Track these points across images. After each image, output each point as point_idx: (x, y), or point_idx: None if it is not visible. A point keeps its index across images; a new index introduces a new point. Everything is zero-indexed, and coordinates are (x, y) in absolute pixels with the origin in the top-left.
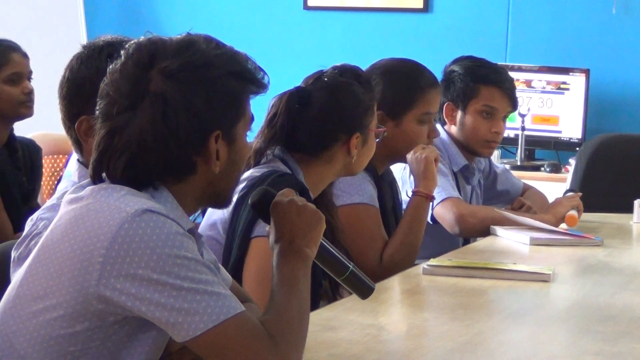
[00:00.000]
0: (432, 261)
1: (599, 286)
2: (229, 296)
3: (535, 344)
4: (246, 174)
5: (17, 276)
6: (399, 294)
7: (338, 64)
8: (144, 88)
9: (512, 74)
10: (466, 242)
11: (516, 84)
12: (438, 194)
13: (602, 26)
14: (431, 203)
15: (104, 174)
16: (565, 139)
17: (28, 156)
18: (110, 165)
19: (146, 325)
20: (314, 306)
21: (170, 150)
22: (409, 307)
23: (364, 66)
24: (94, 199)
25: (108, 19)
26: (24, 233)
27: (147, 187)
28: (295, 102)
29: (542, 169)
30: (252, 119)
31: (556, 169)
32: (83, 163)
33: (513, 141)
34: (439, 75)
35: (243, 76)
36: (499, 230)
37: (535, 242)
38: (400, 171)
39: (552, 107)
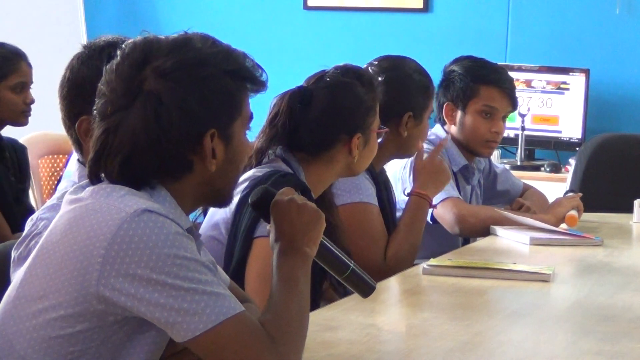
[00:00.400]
0: (432, 261)
1: (599, 286)
2: (228, 296)
3: (535, 344)
4: (248, 174)
5: (17, 276)
6: (399, 294)
7: (340, 64)
8: (138, 87)
9: (512, 74)
10: (466, 242)
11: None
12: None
13: (602, 26)
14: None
15: (102, 175)
16: (565, 139)
17: (14, 155)
18: (107, 164)
19: (146, 325)
20: (314, 306)
21: (165, 149)
22: (409, 307)
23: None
24: (93, 199)
25: (108, 19)
26: (24, 233)
27: (145, 186)
28: (297, 101)
29: (542, 169)
30: (250, 117)
31: (556, 169)
32: (83, 163)
33: (513, 141)
34: (439, 75)
35: (239, 74)
36: (499, 230)
37: (535, 242)
38: (400, 170)
39: (552, 107)
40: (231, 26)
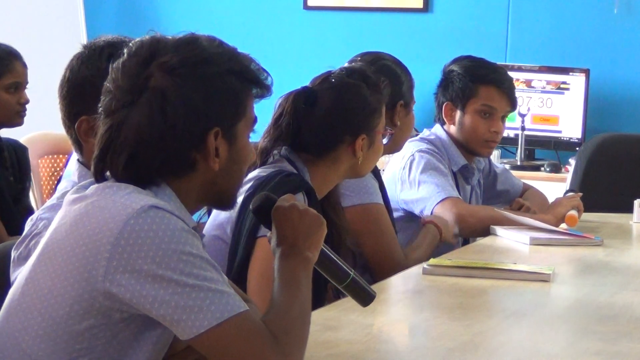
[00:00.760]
0: (432, 261)
1: (599, 286)
2: (232, 294)
3: (535, 344)
4: (252, 174)
5: (21, 275)
6: (399, 294)
7: (346, 64)
8: (143, 83)
9: (512, 74)
10: (466, 242)
11: (516, 84)
12: (438, 193)
13: (602, 26)
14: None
15: (107, 173)
16: (565, 138)
17: (14, 156)
18: (111, 162)
19: (151, 323)
20: (319, 307)
21: (169, 146)
22: (409, 307)
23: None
24: (98, 196)
25: (108, 19)
26: (24, 233)
27: (149, 184)
28: (302, 102)
29: (542, 168)
30: (254, 120)
31: (556, 168)
32: (83, 163)
33: (513, 141)
34: (438, 75)
35: (244, 75)
36: (499, 230)
37: (535, 242)
38: (399, 171)
39: (552, 107)
40: (231, 26)
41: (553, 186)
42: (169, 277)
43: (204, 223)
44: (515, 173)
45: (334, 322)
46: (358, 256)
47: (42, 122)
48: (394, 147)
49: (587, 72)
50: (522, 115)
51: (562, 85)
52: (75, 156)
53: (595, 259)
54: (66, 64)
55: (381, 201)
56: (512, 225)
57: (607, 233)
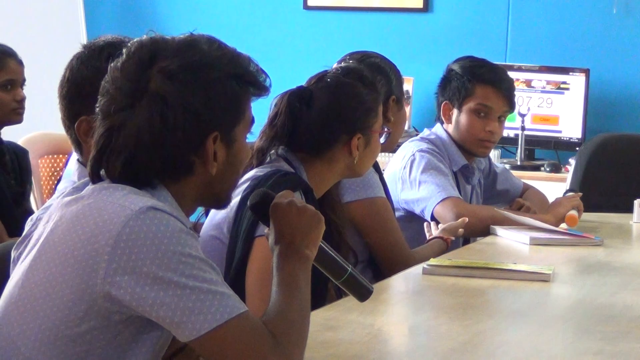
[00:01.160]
0: (432, 261)
1: (599, 286)
2: (232, 296)
3: (535, 344)
4: (250, 174)
5: (16, 278)
6: (399, 294)
7: (342, 64)
8: (144, 87)
9: (512, 74)
10: (466, 242)
11: (516, 84)
12: (438, 193)
13: (602, 26)
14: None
15: (102, 172)
16: (565, 138)
17: (15, 159)
18: (108, 163)
19: (151, 325)
20: (320, 306)
21: (168, 150)
22: (409, 307)
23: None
24: (95, 197)
25: (108, 19)
26: (24, 233)
27: (146, 186)
28: (297, 101)
29: (542, 168)
30: (252, 121)
31: (556, 168)
32: (83, 163)
33: (513, 141)
34: (439, 75)
35: (244, 79)
36: (499, 230)
37: (535, 242)
38: (399, 170)
39: (552, 106)
40: (231, 26)
41: (553, 186)
42: (169, 279)
43: (202, 224)
44: (515, 173)
45: (334, 322)
46: (359, 253)
47: (42, 122)
48: (389, 145)
49: (587, 72)
50: (522, 115)
51: (562, 85)
52: (75, 156)
53: (595, 259)
54: (66, 64)
55: (385, 195)
56: (512, 225)
57: (607, 233)
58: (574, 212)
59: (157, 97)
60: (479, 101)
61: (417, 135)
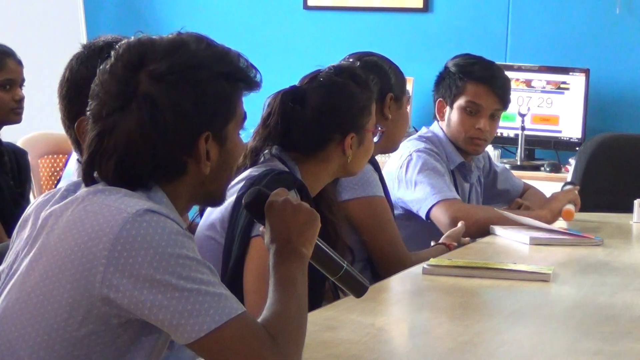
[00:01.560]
0: (432, 261)
1: (599, 286)
2: (230, 297)
3: (535, 344)
4: (244, 174)
5: (13, 281)
6: (399, 294)
7: (335, 63)
8: (133, 90)
9: (512, 73)
10: None
11: (516, 83)
12: (433, 195)
13: (602, 26)
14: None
15: (95, 174)
16: (565, 138)
17: (14, 160)
18: (101, 166)
19: (149, 328)
20: (317, 304)
21: (159, 152)
22: (409, 307)
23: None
24: (90, 201)
25: (108, 19)
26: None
27: (140, 187)
28: (290, 101)
29: (542, 168)
30: (244, 117)
31: (556, 168)
32: None
33: (513, 141)
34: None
35: (234, 76)
36: (499, 230)
37: (535, 242)
38: (396, 170)
39: (552, 106)
40: (231, 26)
41: (553, 186)
42: (166, 282)
43: (197, 224)
44: (515, 173)
45: (334, 322)
46: (356, 252)
47: (42, 122)
48: (390, 145)
49: (587, 72)
50: (522, 115)
51: (562, 85)
52: (75, 156)
53: (595, 259)
54: (66, 64)
55: (383, 194)
56: (509, 225)
57: (607, 233)
58: (570, 207)
59: (146, 100)
60: (468, 99)
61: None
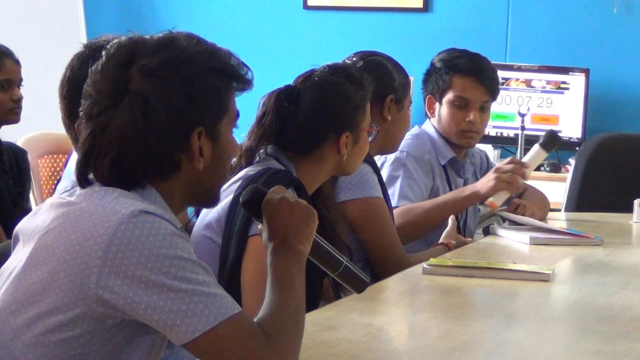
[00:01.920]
0: (432, 261)
1: (599, 286)
2: (225, 297)
3: (535, 344)
4: (241, 173)
5: (8, 281)
6: (399, 293)
7: (330, 62)
8: (124, 87)
9: (512, 73)
10: None
11: (516, 83)
12: (395, 200)
13: (602, 26)
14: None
15: (90, 176)
16: (565, 138)
17: (14, 159)
18: (96, 166)
19: (144, 328)
20: (315, 304)
21: (153, 148)
22: (409, 306)
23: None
24: (86, 202)
25: (108, 19)
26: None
27: (135, 186)
28: (284, 100)
29: (542, 168)
30: (237, 115)
31: (556, 168)
32: None
33: (513, 141)
34: None
35: (225, 72)
36: (499, 230)
37: (535, 242)
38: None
39: (552, 106)
40: (231, 26)
41: (553, 186)
42: (161, 282)
43: (194, 224)
44: None
45: (333, 322)
46: (354, 251)
47: (42, 122)
48: (389, 146)
49: (587, 72)
50: (522, 115)
51: (562, 85)
52: (75, 155)
53: (595, 259)
54: (66, 63)
55: (382, 195)
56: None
57: (607, 233)
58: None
59: (138, 96)
60: (456, 93)
61: None
